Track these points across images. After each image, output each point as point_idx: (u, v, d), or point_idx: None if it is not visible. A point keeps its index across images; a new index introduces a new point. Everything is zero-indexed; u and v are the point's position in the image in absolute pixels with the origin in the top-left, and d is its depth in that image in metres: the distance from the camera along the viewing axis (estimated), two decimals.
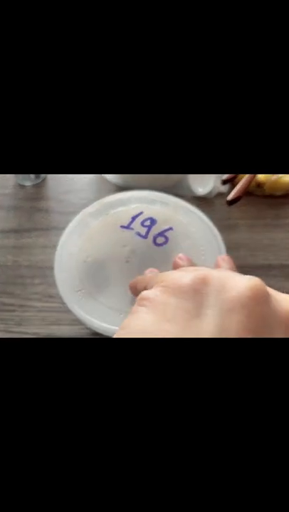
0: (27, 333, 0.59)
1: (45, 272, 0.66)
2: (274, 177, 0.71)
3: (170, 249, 0.52)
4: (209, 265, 0.49)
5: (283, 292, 0.61)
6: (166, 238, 0.52)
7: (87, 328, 0.47)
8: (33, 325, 0.60)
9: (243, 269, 0.64)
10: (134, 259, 0.51)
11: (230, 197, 0.54)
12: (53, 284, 0.50)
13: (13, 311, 0.62)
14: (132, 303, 0.47)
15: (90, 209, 0.56)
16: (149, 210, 0.55)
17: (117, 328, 0.45)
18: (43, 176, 0.80)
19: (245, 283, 0.31)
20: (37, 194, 0.79)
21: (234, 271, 0.42)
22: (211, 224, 0.53)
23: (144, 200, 0.56)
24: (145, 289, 0.38)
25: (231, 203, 0.54)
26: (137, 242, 0.53)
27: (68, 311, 0.48)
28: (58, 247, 0.52)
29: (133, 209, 0.56)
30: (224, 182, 0.57)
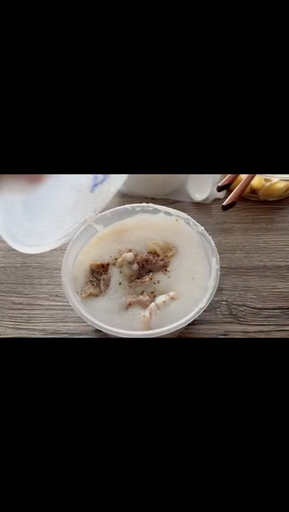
0: (35, 330, 0.60)
1: (52, 272, 0.67)
2: (267, 183, 0.72)
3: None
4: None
5: (276, 291, 0.62)
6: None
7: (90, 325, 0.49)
8: (41, 322, 0.61)
9: (238, 270, 0.66)
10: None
11: (225, 202, 0.55)
12: (59, 284, 0.51)
13: (22, 309, 0.63)
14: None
15: (97, 216, 0.57)
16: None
17: (111, 328, 0.46)
18: None
19: None
20: None
21: None
22: (213, 247, 0.53)
23: None
24: None
25: (226, 208, 0.55)
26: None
27: (73, 309, 0.50)
28: (66, 252, 0.54)
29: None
30: (220, 189, 0.58)
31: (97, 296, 0.52)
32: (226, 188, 0.58)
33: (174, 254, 0.53)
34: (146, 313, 0.48)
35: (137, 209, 0.57)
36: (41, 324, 0.61)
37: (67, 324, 0.60)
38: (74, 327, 0.60)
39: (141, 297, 0.50)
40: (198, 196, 0.75)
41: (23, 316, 0.62)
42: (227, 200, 0.54)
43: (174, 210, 0.56)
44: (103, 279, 0.53)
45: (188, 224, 0.55)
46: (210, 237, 0.52)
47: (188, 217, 0.55)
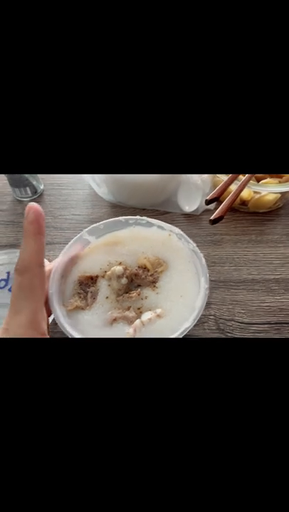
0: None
1: None
2: (257, 196, 0.70)
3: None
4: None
5: (264, 304, 0.61)
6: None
7: None
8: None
9: (227, 283, 0.64)
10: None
11: (212, 216, 0.53)
12: None
13: None
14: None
15: (90, 228, 0.55)
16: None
17: None
18: (39, 191, 0.80)
19: None
20: None
21: None
22: (204, 265, 0.50)
23: None
24: None
25: (214, 222, 0.53)
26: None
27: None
28: (55, 261, 0.51)
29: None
30: (208, 202, 0.56)
31: (83, 309, 0.49)
32: (215, 201, 0.56)
33: (164, 270, 0.51)
34: (131, 330, 0.46)
35: (130, 221, 0.55)
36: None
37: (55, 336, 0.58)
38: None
39: (127, 313, 0.48)
40: (188, 208, 0.74)
41: None
42: (214, 214, 0.53)
43: (167, 224, 0.53)
44: (91, 292, 0.50)
45: (180, 239, 0.52)
46: (201, 255, 0.49)
47: (181, 232, 0.52)
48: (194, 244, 0.50)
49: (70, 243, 0.53)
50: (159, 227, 0.54)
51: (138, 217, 0.54)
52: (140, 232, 0.54)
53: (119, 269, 0.50)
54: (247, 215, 0.74)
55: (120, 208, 0.77)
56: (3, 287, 0.62)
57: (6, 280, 0.63)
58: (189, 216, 0.74)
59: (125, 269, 0.50)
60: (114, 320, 0.47)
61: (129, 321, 0.47)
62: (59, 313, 0.47)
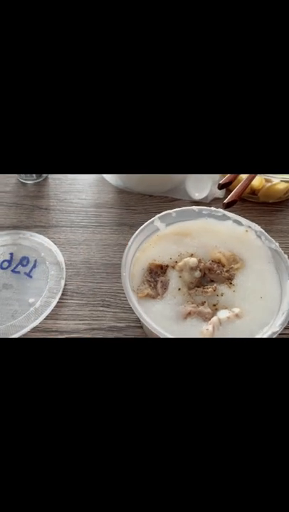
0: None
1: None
2: (268, 184, 0.70)
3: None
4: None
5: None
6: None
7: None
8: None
9: None
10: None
11: (226, 200, 0.52)
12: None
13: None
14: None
15: (162, 214, 0.51)
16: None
17: (165, 333, 0.40)
18: (44, 174, 0.76)
19: None
20: (38, 192, 0.74)
21: None
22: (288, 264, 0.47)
23: None
24: None
25: (227, 206, 0.52)
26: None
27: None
28: (127, 246, 0.47)
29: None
30: (221, 186, 0.55)
31: (154, 298, 0.45)
32: (227, 186, 0.56)
33: (241, 268, 0.48)
34: (210, 327, 0.42)
35: (204, 212, 0.51)
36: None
37: (57, 322, 0.53)
38: (64, 325, 0.53)
39: (202, 308, 0.44)
40: (198, 195, 0.71)
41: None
42: (229, 197, 0.52)
43: (245, 220, 0.51)
44: (161, 281, 0.46)
45: (260, 237, 0.50)
46: (285, 256, 0.47)
47: (262, 230, 0.50)
48: (277, 244, 0.48)
49: (141, 227, 0.49)
50: (236, 221, 0.51)
51: (213, 208, 0.51)
52: (213, 224, 0.51)
53: (193, 260, 0.46)
54: (256, 205, 0.73)
55: (127, 194, 0.73)
56: (6, 268, 0.60)
57: (9, 261, 0.61)
58: (198, 204, 0.72)
59: (199, 261, 0.47)
60: (189, 314, 0.44)
61: (204, 317, 0.43)
62: (133, 299, 0.43)
